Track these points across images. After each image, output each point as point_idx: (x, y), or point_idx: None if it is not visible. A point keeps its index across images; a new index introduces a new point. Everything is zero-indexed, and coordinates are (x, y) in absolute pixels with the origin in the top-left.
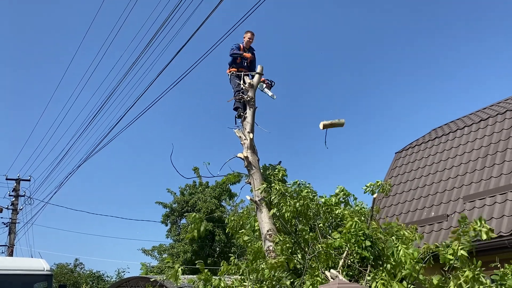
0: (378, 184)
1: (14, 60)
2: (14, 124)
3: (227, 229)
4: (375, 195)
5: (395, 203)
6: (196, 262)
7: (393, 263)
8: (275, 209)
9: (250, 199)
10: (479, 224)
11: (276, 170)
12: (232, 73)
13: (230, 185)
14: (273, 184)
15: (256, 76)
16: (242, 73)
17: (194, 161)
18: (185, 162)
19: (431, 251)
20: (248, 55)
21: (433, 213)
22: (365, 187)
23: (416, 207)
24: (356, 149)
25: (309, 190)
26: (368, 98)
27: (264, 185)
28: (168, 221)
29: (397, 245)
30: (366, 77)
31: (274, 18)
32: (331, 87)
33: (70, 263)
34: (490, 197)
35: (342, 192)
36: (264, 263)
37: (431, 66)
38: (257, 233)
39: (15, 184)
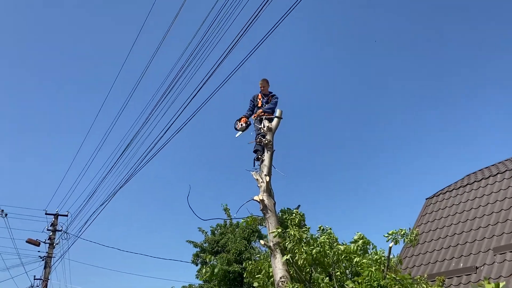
0: (402, 232)
1: (50, 99)
2: (54, 160)
3: (245, 274)
4: (391, 245)
5: (423, 251)
6: None
7: None
8: (289, 255)
9: (264, 243)
10: None
11: (293, 214)
12: (256, 117)
13: (251, 229)
14: (288, 229)
15: (275, 120)
16: (264, 116)
17: (223, 199)
18: (213, 200)
19: None
20: (243, 120)
21: (461, 265)
22: (387, 235)
23: (445, 257)
24: (387, 193)
25: (328, 236)
26: (402, 141)
27: (279, 230)
28: (198, 261)
29: None
30: (399, 120)
31: (295, 58)
32: (361, 130)
33: None
34: None
35: (362, 240)
36: None
37: (471, 111)
38: (272, 279)
39: (53, 219)
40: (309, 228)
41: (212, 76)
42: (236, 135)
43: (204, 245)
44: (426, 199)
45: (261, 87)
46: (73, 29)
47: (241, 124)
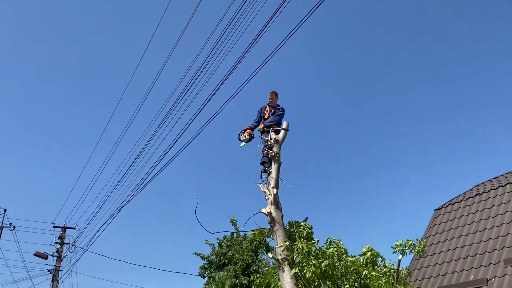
0: (409, 243)
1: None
2: (62, 172)
3: (253, 287)
4: (400, 257)
5: (433, 263)
6: None
7: None
8: (297, 268)
9: (272, 257)
10: None
11: (301, 227)
12: (263, 129)
13: (259, 241)
14: (296, 242)
15: (282, 132)
16: (271, 128)
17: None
18: (222, 211)
19: None
20: (247, 132)
21: (472, 277)
22: (395, 247)
23: (455, 269)
24: (395, 204)
25: (336, 248)
26: (410, 149)
27: (287, 243)
28: (206, 274)
29: None
30: (402, 130)
31: (305, 65)
32: (368, 141)
33: None
34: None
35: (370, 252)
36: None
37: (479, 120)
38: None
39: (61, 232)
40: (318, 240)
41: (219, 91)
42: (241, 145)
43: (211, 257)
44: (434, 210)
45: (269, 99)
46: (81, 39)
47: (245, 136)
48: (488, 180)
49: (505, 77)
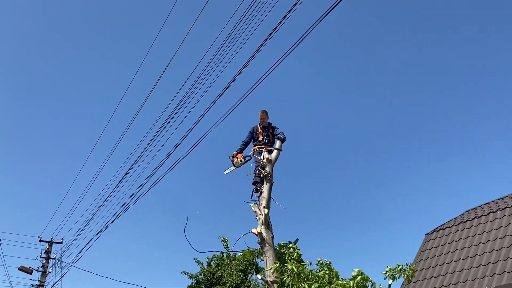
0: (399, 268)
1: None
2: (50, 185)
3: None
4: (390, 282)
5: None
6: None
7: None
8: None
9: (261, 278)
10: None
11: (291, 248)
12: (256, 150)
13: (248, 261)
14: (286, 264)
15: (275, 152)
16: (264, 149)
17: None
18: (213, 230)
19: None
20: (240, 156)
21: None
22: (385, 272)
23: None
24: (386, 227)
25: (327, 271)
26: (402, 174)
27: (277, 265)
28: None
29: None
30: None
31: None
32: (360, 163)
33: None
34: None
35: (360, 276)
36: None
37: (470, 145)
38: None
39: (47, 247)
40: (310, 263)
41: (213, 106)
42: (225, 172)
43: (200, 276)
44: (425, 234)
45: (260, 119)
46: (72, 43)
47: (240, 160)
48: (479, 206)
49: (500, 98)
